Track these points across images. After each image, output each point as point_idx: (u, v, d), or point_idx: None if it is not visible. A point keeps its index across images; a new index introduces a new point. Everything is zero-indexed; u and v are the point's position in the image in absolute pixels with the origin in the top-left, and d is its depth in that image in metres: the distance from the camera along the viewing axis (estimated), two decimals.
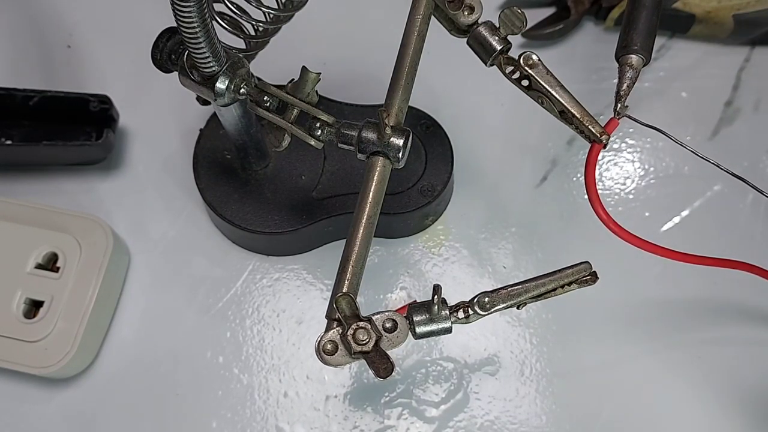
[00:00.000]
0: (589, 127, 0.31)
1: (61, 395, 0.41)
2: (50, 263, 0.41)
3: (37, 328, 0.39)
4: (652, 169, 0.45)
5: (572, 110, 0.31)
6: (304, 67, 0.33)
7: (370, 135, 0.31)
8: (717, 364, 0.41)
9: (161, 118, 0.46)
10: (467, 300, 0.29)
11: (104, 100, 0.43)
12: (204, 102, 0.39)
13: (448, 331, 0.29)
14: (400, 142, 0.31)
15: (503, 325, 0.42)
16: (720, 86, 0.47)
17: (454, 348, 0.41)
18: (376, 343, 0.28)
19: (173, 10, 0.28)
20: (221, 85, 0.32)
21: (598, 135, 0.31)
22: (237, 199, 0.41)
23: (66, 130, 0.43)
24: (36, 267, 0.40)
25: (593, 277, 0.30)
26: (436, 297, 0.28)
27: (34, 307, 0.40)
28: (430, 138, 0.42)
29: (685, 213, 0.44)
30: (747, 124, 0.46)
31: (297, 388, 0.41)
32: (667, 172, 0.45)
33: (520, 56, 0.32)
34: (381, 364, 0.27)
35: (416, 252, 0.43)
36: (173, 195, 0.45)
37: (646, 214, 0.44)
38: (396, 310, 0.29)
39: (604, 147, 0.31)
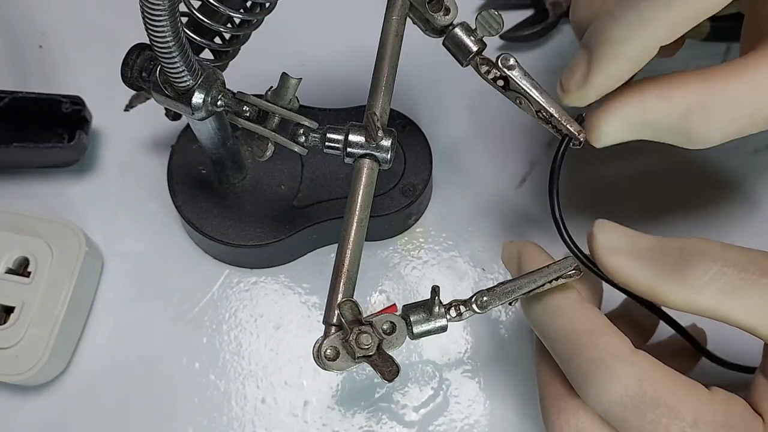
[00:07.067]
0: (567, 125, 0.31)
1: (32, 403, 0.40)
2: (21, 268, 0.40)
3: (8, 335, 0.38)
4: None
5: (550, 110, 0.31)
6: (284, 73, 0.32)
7: (357, 138, 0.31)
8: None
9: (135, 120, 0.45)
10: (461, 299, 0.30)
11: (77, 101, 0.42)
12: (174, 117, 0.38)
13: (444, 329, 0.29)
14: (389, 143, 0.31)
15: (482, 328, 0.41)
16: None
17: (433, 351, 0.41)
18: (379, 346, 0.28)
19: (145, 25, 0.27)
20: (198, 99, 0.31)
21: (576, 133, 0.31)
22: (216, 214, 0.40)
23: (37, 131, 0.42)
24: (6, 272, 0.39)
25: (577, 271, 0.30)
26: (436, 298, 0.29)
27: (4, 313, 0.39)
28: (407, 138, 0.42)
29: None
30: None
31: (275, 394, 0.40)
32: None
33: (498, 58, 0.32)
34: (385, 366, 0.27)
35: (395, 255, 0.43)
36: (147, 198, 0.44)
37: None
38: (378, 312, 0.29)
39: (581, 145, 0.32)
